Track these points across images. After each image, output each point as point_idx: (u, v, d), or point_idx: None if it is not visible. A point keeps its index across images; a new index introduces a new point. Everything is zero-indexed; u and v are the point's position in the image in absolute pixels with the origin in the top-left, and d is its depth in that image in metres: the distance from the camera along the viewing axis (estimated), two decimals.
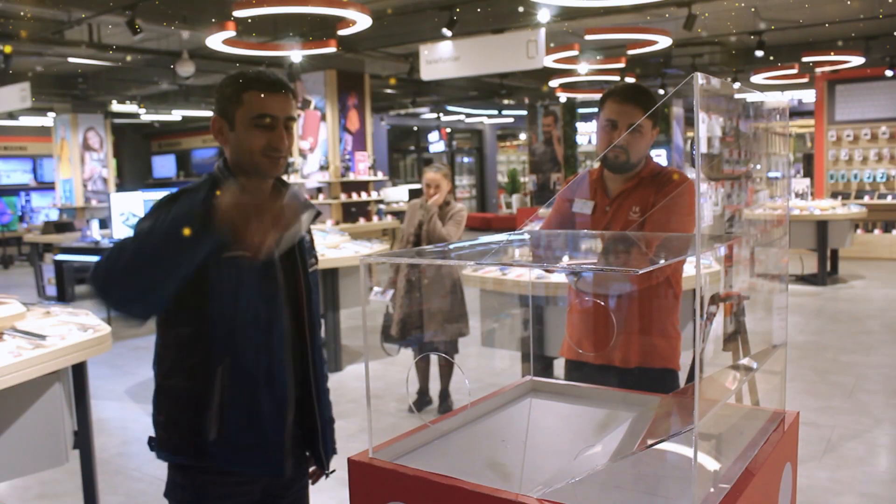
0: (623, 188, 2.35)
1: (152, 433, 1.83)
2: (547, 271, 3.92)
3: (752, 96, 1.68)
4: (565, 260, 1.80)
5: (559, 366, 4.75)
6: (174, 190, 1.72)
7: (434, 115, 20.44)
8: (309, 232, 1.96)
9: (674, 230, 2.09)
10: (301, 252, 1.86)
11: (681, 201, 2.19)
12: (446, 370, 4.90)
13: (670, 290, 2.28)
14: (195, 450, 1.73)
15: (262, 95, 1.73)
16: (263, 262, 1.70)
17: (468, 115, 20.64)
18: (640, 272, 1.25)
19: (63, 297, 9.15)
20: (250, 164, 1.76)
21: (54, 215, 14.81)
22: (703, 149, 1.21)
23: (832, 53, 10.82)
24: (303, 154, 11.71)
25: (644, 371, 2.25)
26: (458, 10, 8.28)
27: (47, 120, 15.57)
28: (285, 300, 1.80)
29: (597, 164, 2.44)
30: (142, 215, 1.68)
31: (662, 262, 1.60)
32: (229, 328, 1.72)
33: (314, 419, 1.87)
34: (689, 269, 2.43)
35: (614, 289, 2.15)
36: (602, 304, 2.18)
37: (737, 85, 1.48)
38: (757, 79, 12.31)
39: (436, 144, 22.30)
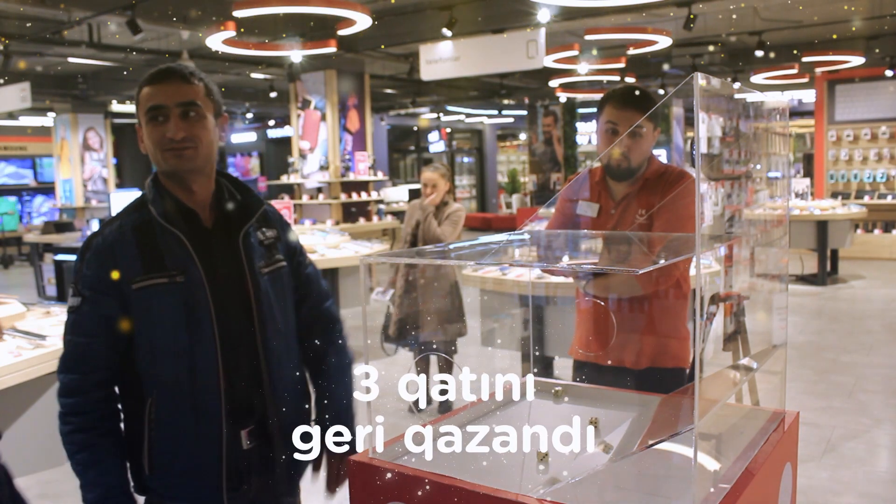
0: (628, 191, 2.31)
1: None
2: (548, 272, 3.91)
3: (752, 96, 1.67)
4: (565, 260, 1.80)
5: (559, 366, 4.76)
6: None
7: (434, 115, 20.44)
8: (279, 227, 1.84)
9: (678, 230, 2.07)
10: (248, 257, 1.72)
11: (685, 201, 2.18)
12: (445, 371, 4.90)
13: (679, 290, 2.26)
14: (139, 486, 1.70)
15: (151, 88, 1.64)
16: (187, 286, 1.63)
17: (468, 115, 20.64)
18: (640, 272, 1.25)
19: (63, 297, 9.14)
20: (159, 164, 1.67)
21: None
22: (703, 149, 1.21)
23: (832, 53, 10.82)
24: (303, 154, 11.71)
25: (655, 371, 2.23)
26: (457, 10, 8.28)
27: (47, 120, 15.57)
28: (227, 314, 1.67)
29: (598, 164, 2.42)
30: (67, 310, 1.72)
31: (662, 262, 1.60)
32: (151, 360, 1.64)
33: (274, 437, 1.73)
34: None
35: (625, 289, 2.12)
36: (610, 305, 2.17)
37: (737, 85, 1.48)
38: (757, 79, 12.31)
39: (436, 144, 22.30)
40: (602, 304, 2.24)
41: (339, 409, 1.87)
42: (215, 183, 1.76)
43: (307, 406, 1.86)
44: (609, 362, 2.24)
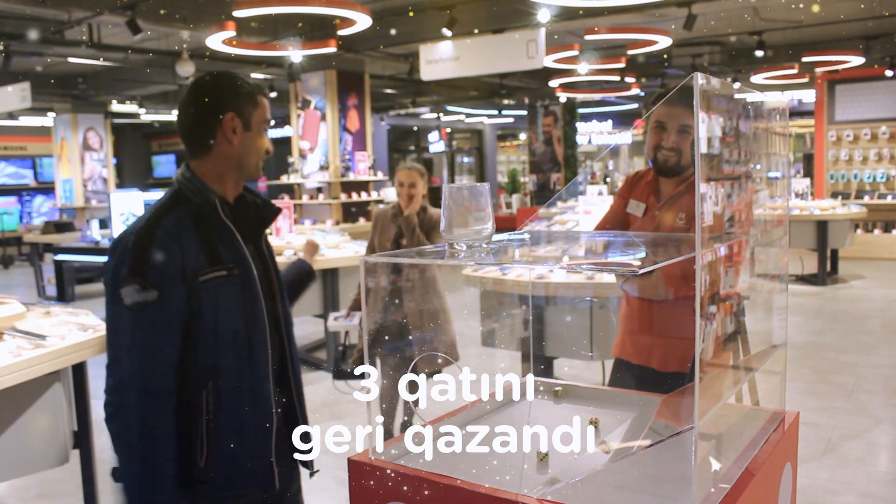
0: (672, 192, 2.31)
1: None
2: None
3: (752, 96, 1.67)
4: (565, 260, 1.80)
5: (559, 365, 4.76)
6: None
7: (434, 115, 20.45)
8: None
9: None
10: (271, 255, 1.85)
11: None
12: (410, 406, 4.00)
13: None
14: (186, 480, 1.67)
15: (266, 101, 1.80)
16: (242, 278, 1.71)
17: (468, 115, 20.65)
18: (640, 272, 1.25)
19: (63, 297, 9.15)
20: (248, 169, 1.78)
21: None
22: (703, 149, 1.21)
23: (832, 53, 10.82)
24: (303, 154, 11.71)
25: (682, 375, 2.22)
26: (457, 10, 8.29)
27: (47, 120, 15.57)
28: (269, 305, 1.78)
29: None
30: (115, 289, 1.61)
31: (663, 262, 1.60)
32: (211, 351, 1.66)
33: (297, 422, 1.83)
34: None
35: (658, 292, 2.12)
36: (649, 305, 2.17)
37: (737, 85, 1.48)
38: (757, 79, 12.31)
39: (436, 144, 22.31)
40: (644, 303, 2.24)
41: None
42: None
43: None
44: (652, 365, 2.23)
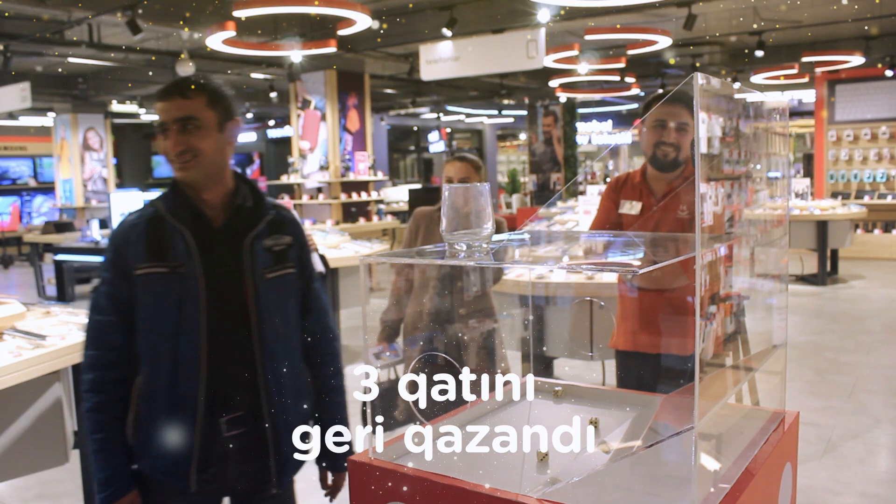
0: (670, 187, 2.38)
1: None
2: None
3: (752, 96, 1.67)
4: (565, 260, 1.80)
5: (559, 365, 4.76)
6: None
7: (434, 115, 20.44)
8: (295, 235, 1.92)
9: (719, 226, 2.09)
10: (252, 260, 1.81)
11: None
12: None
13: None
14: (130, 454, 1.82)
15: (159, 104, 1.80)
16: (184, 277, 1.75)
17: (468, 115, 20.64)
18: (641, 272, 1.25)
19: (63, 297, 9.15)
20: (175, 171, 1.82)
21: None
22: (703, 149, 1.21)
23: (832, 53, 10.82)
24: (303, 154, 11.71)
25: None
26: (457, 10, 8.29)
27: (47, 120, 15.57)
28: (221, 310, 1.77)
29: (636, 167, 2.47)
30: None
31: (663, 260, 1.60)
32: (144, 343, 1.78)
33: (264, 430, 1.81)
34: None
35: (668, 282, 2.14)
36: (659, 295, 2.18)
37: (737, 85, 1.48)
38: (757, 79, 12.31)
39: (436, 144, 22.31)
40: (649, 293, 2.25)
41: (334, 425, 1.94)
42: (235, 187, 1.87)
43: (306, 407, 1.93)
44: (658, 350, 2.26)
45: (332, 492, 2.03)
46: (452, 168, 3.10)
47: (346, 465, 1.99)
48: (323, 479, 2.04)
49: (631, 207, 2.45)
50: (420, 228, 3.23)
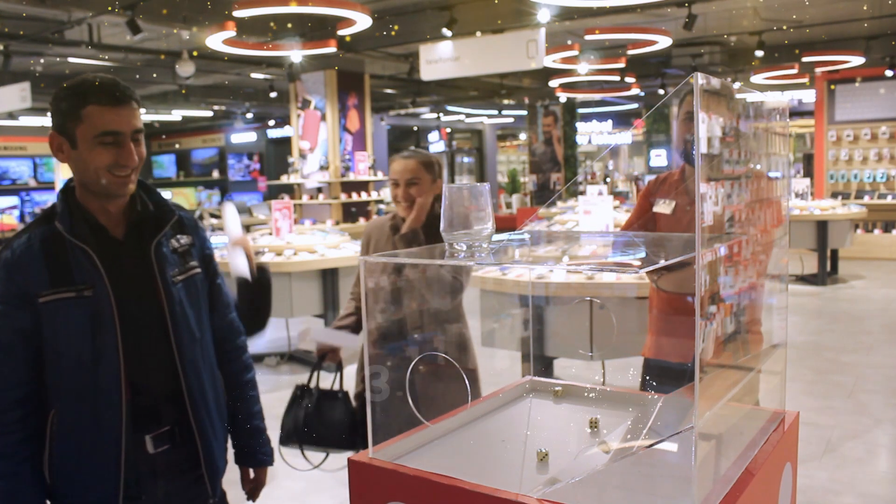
0: None
1: None
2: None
3: (752, 96, 1.67)
4: (565, 260, 1.80)
5: (559, 366, 4.76)
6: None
7: (434, 115, 20.45)
8: (195, 234, 1.85)
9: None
10: (160, 267, 1.72)
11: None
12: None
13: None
14: (48, 495, 1.69)
15: (102, 109, 1.60)
16: (87, 298, 1.62)
17: (468, 115, 20.65)
18: (641, 272, 1.25)
19: None
20: (96, 185, 1.65)
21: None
22: (703, 149, 1.21)
23: (832, 53, 10.82)
24: (303, 154, 11.71)
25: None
26: (457, 10, 8.29)
27: (47, 120, 15.49)
28: (136, 325, 1.67)
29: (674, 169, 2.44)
30: None
31: (664, 261, 1.60)
32: (55, 374, 1.65)
33: (194, 441, 1.75)
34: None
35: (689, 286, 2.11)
36: (686, 302, 2.16)
37: (737, 85, 1.48)
38: (757, 79, 12.31)
39: (436, 144, 22.33)
40: (676, 300, 2.22)
41: (252, 420, 1.96)
42: (134, 193, 1.75)
43: (224, 412, 1.90)
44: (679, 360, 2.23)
45: (253, 490, 2.00)
46: (396, 167, 2.64)
47: (266, 459, 1.99)
48: (244, 478, 2.00)
49: (665, 206, 2.40)
50: (371, 241, 2.90)
